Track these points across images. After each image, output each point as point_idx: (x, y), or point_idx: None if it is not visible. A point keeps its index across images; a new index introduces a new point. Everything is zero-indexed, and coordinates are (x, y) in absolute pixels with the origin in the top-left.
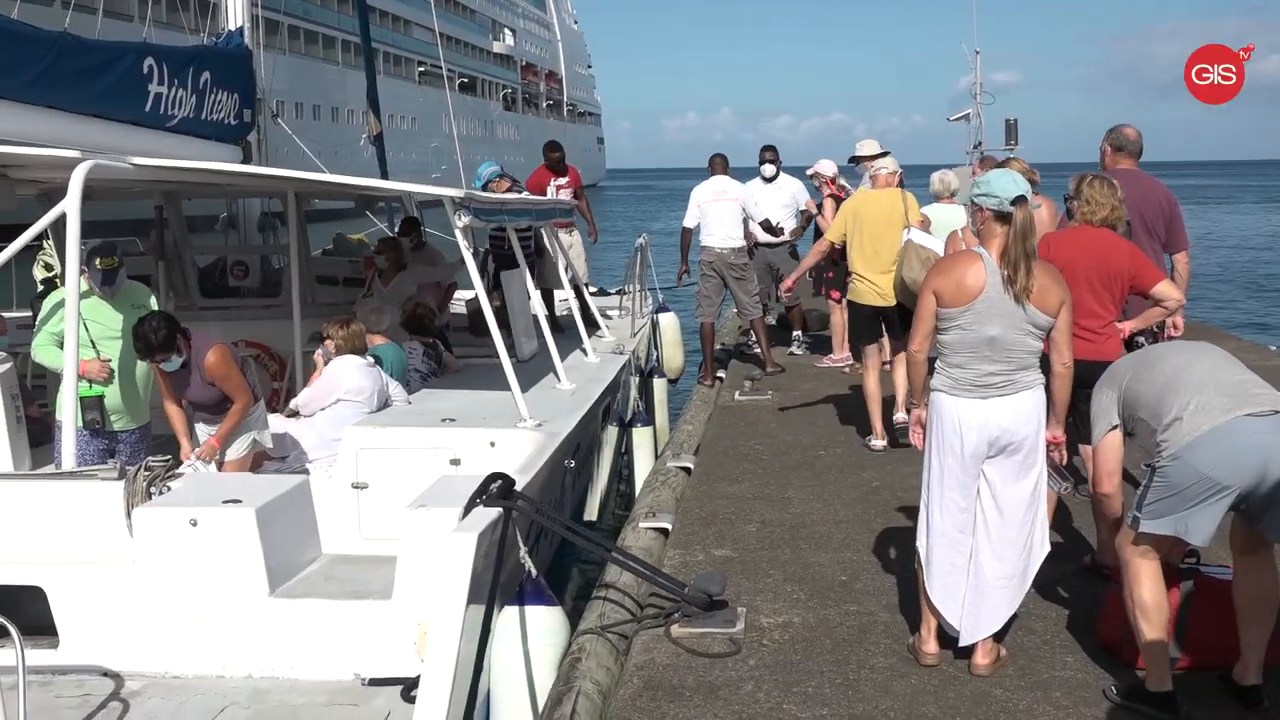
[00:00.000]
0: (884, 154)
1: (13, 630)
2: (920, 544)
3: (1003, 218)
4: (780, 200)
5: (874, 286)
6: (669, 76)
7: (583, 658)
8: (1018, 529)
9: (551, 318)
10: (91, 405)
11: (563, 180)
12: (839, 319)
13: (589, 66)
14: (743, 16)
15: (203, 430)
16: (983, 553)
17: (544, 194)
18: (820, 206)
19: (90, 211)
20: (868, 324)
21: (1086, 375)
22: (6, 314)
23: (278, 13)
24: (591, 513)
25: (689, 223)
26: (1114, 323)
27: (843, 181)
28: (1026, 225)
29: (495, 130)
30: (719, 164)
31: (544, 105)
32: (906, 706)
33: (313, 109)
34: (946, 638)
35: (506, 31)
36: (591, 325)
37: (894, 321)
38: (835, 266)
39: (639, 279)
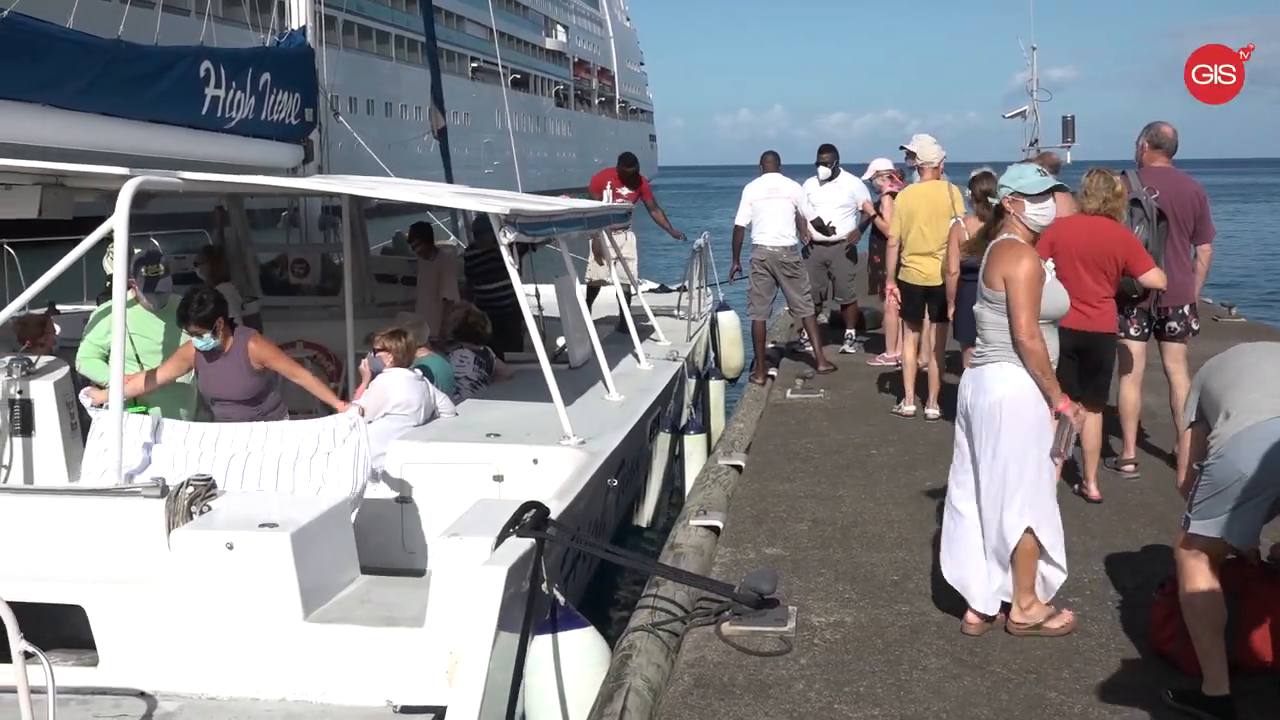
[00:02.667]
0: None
1: (44, 660)
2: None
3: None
4: (838, 200)
5: (919, 268)
6: (721, 73)
7: (633, 655)
8: (991, 502)
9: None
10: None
11: (626, 190)
12: (893, 318)
13: (641, 63)
14: (796, 12)
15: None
16: (981, 521)
17: (600, 194)
18: (878, 206)
19: (158, 206)
20: (910, 303)
21: (1089, 344)
22: (69, 306)
23: (333, 8)
24: (643, 519)
25: (740, 221)
26: (1109, 299)
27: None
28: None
29: (547, 126)
30: (770, 162)
31: (596, 102)
32: (959, 709)
33: (367, 104)
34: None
35: (559, 28)
36: (645, 329)
37: (938, 302)
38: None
39: (699, 279)
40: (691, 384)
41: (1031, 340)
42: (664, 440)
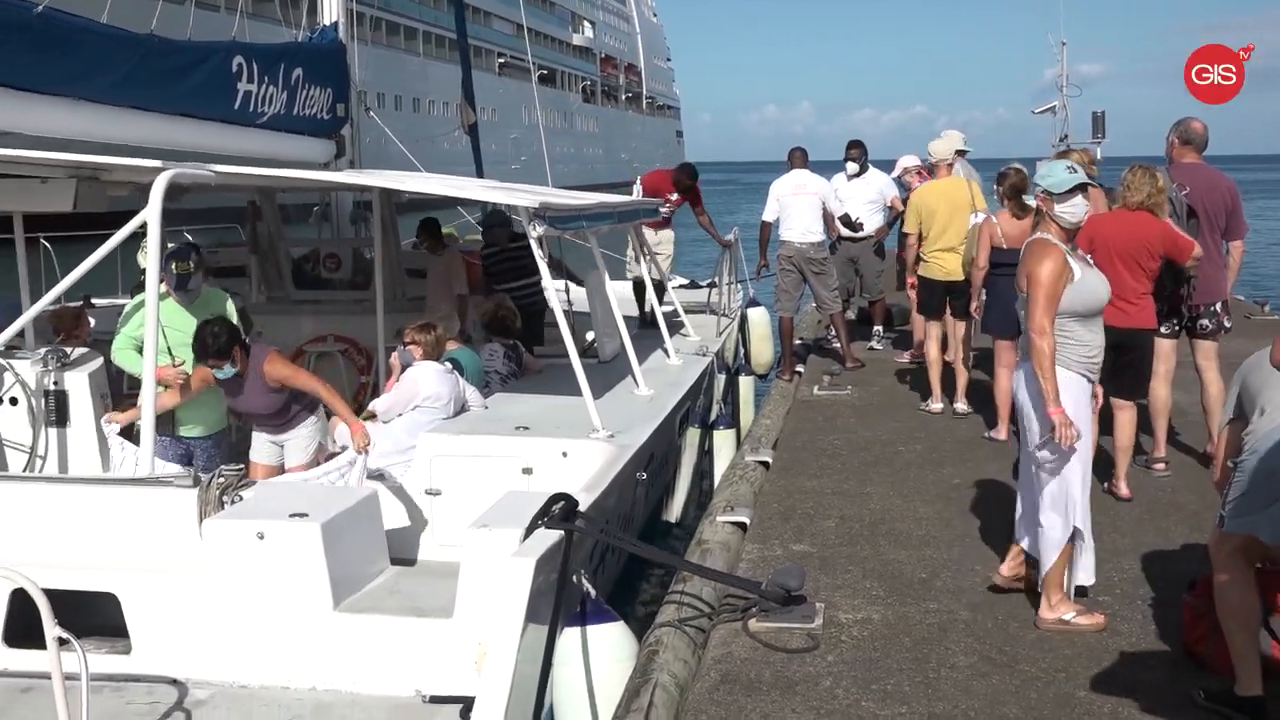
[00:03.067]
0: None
1: (78, 646)
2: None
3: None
4: (866, 196)
5: (941, 264)
6: (749, 69)
7: (660, 650)
8: (1029, 487)
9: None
10: (163, 412)
11: (675, 196)
12: (919, 317)
13: (668, 59)
14: (825, 8)
15: (261, 439)
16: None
17: (652, 194)
18: (906, 202)
19: (192, 200)
20: (931, 297)
21: (1127, 341)
22: (104, 300)
23: (363, 4)
24: (672, 514)
25: (768, 216)
26: (1148, 295)
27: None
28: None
29: (574, 122)
30: (798, 157)
31: (623, 98)
32: (988, 707)
33: (394, 100)
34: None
35: (586, 24)
36: (676, 324)
37: (960, 297)
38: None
39: (729, 275)
40: (721, 379)
41: (1040, 337)
42: (693, 435)
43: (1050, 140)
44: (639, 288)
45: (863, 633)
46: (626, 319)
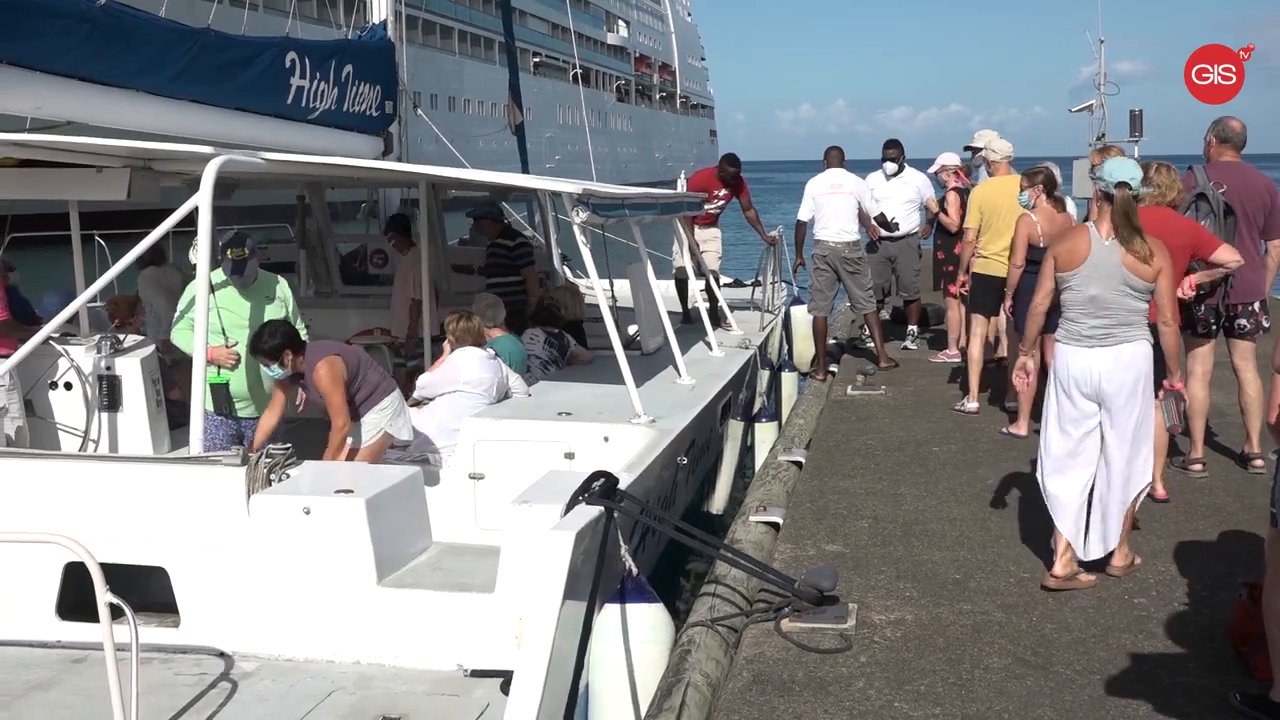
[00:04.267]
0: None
1: (129, 614)
2: (1039, 472)
3: (1108, 197)
4: (904, 195)
5: (1002, 260)
6: (783, 67)
7: (692, 650)
8: (1125, 461)
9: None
10: (217, 391)
11: (723, 192)
12: (955, 314)
13: (702, 58)
14: (860, 6)
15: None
16: (1099, 480)
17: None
18: (943, 201)
19: (243, 198)
20: (990, 295)
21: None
22: None
23: (405, 6)
24: (716, 506)
25: (803, 215)
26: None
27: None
28: (1125, 204)
29: (609, 121)
30: (834, 156)
31: (657, 97)
32: (1022, 709)
33: (430, 98)
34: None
35: (620, 23)
36: (719, 319)
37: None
38: (955, 260)
39: (773, 273)
40: (765, 375)
41: (1178, 322)
42: (735, 428)
43: (1087, 139)
44: (683, 283)
45: (896, 634)
46: (670, 314)
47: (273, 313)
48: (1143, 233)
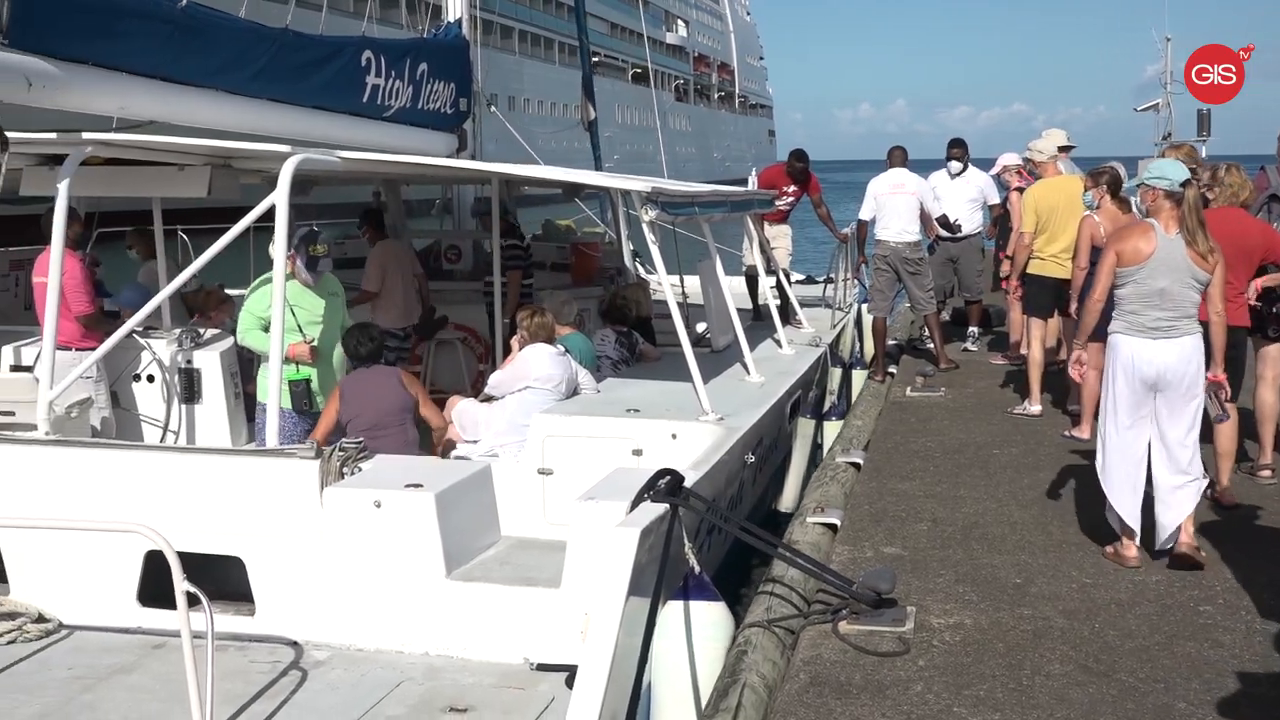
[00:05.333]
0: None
1: (205, 603)
2: (1099, 463)
3: (1173, 196)
4: (966, 195)
5: (1060, 261)
6: (842, 67)
7: (749, 651)
8: (1181, 446)
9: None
10: (296, 387)
11: (792, 188)
12: (1016, 315)
13: (761, 58)
14: (920, 4)
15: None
16: (1158, 466)
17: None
18: (1005, 201)
19: (320, 195)
20: (1047, 296)
21: (1230, 338)
22: (236, 290)
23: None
24: (785, 505)
25: (864, 215)
26: (1243, 293)
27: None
28: (1195, 200)
29: (667, 121)
30: (898, 156)
31: (715, 97)
32: (1083, 716)
33: (489, 97)
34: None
35: (679, 22)
36: (789, 316)
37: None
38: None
39: (845, 270)
40: (837, 373)
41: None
42: (805, 426)
43: (1153, 138)
44: (753, 280)
45: (955, 638)
46: (740, 311)
47: (333, 309)
48: (1206, 228)
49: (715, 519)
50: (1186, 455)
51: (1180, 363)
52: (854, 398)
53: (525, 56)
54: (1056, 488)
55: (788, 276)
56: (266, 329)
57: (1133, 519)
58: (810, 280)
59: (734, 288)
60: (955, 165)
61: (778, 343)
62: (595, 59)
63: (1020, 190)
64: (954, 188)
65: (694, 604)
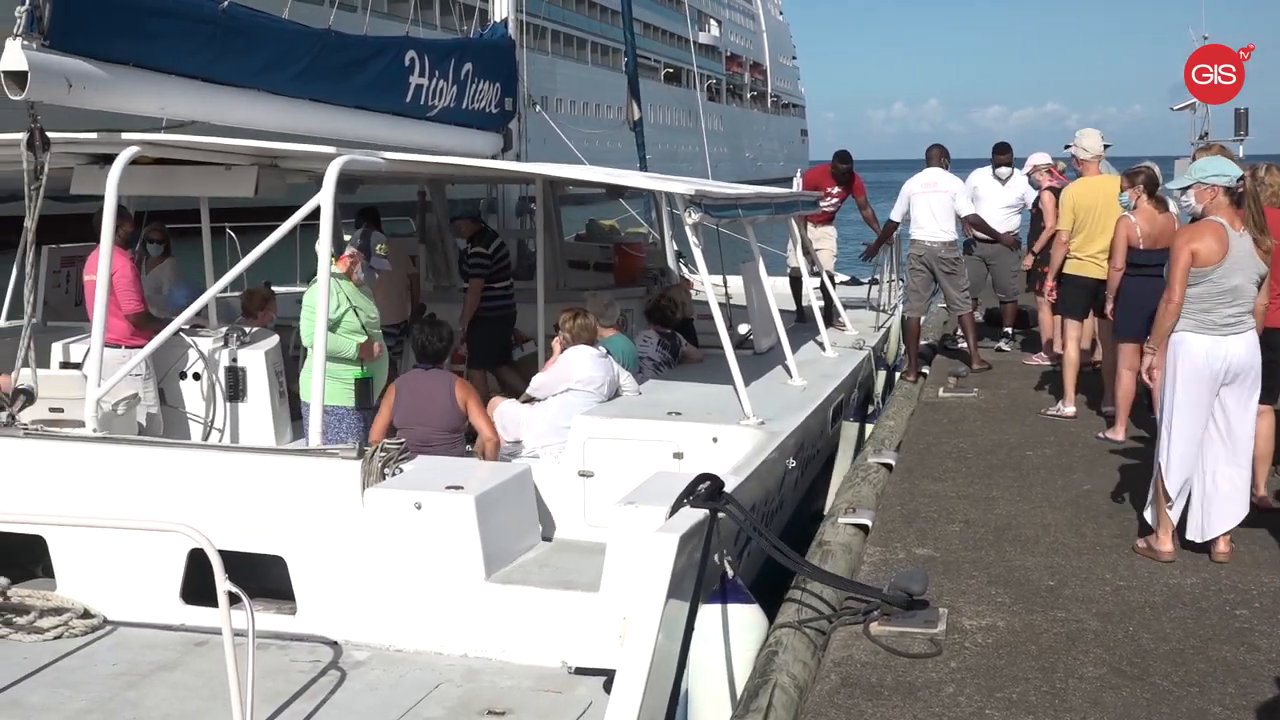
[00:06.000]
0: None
1: (246, 602)
2: (1161, 458)
3: (1232, 192)
4: (1005, 200)
5: (1097, 262)
6: (875, 67)
7: (780, 651)
8: (1247, 441)
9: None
10: (362, 386)
11: (836, 189)
12: (1047, 316)
13: (793, 57)
14: (954, 3)
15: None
16: (1220, 463)
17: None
18: (1037, 201)
19: (365, 194)
20: (1083, 296)
21: (1266, 339)
22: (282, 288)
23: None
24: (828, 507)
25: (895, 215)
26: None
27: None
28: (1254, 192)
29: (700, 120)
30: (935, 155)
31: (748, 96)
32: None
33: (537, 98)
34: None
35: (712, 22)
36: (833, 318)
37: (1103, 296)
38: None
39: (890, 272)
40: (882, 375)
41: None
42: (849, 429)
43: (1189, 138)
44: (797, 281)
45: (987, 640)
46: (784, 312)
47: (371, 308)
48: (1266, 221)
49: (748, 528)
50: (1249, 448)
51: (1249, 354)
52: None
53: (558, 57)
54: (1090, 490)
55: (832, 279)
56: (332, 328)
57: (1178, 516)
58: (855, 281)
59: (777, 288)
60: (1004, 171)
61: (821, 345)
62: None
63: (1052, 189)
64: (994, 190)
65: (727, 607)
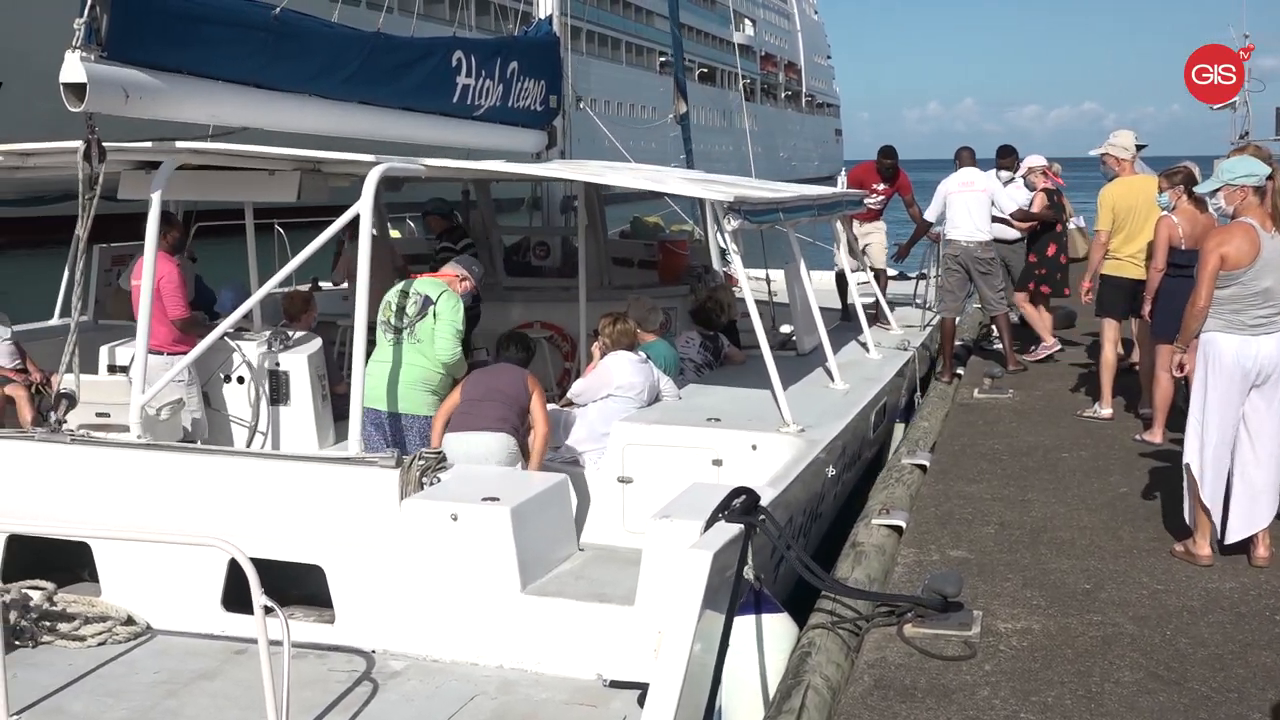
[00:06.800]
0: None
1: (281, 615)
2: (1193, 460)
3: (1260, 191)
4: (1018, 201)
5: (1136, 262)
6: (910, 66)
7: (813, 652)
8: (1272, 442)
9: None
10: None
11: (881, 186)
12: (1032, 312)
13: (828, 57)
14: (989, 2)
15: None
16: (1249, 464)
17: (859, 188)
18: (1031, 203)
19: (413, 192)
20: (1121, 297)
21: None
22: (327, 284)
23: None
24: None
25: (930, 216)
26: None
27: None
28: (1277, 195)
29: (733, 120)
30: (966, 156)
31: (782, 96)
32: None
33: (582, 97)
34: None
35: (747, 22)
36: (879, 317)
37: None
38: (1047, 262)
39: (937, 268)
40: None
41: None
42: (897, 430)
43: (1229, 137)
44: (842, 279)
45: (1022, 643)
46: (828, 311)
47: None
48: None
49: (780, 547)
50: (1275, 450)
51: (1278, 355)
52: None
53: (593, 57)
54: (1127, 492)
55: (883, 275)
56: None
57: (1217, 518)
58: (903, 276)
59: (824, 283)
60: (1005, 174)
61: (864, 346)
62: (664, 59)
63: (1046, 191)
64: (1006, 193)
65: (758, 617)
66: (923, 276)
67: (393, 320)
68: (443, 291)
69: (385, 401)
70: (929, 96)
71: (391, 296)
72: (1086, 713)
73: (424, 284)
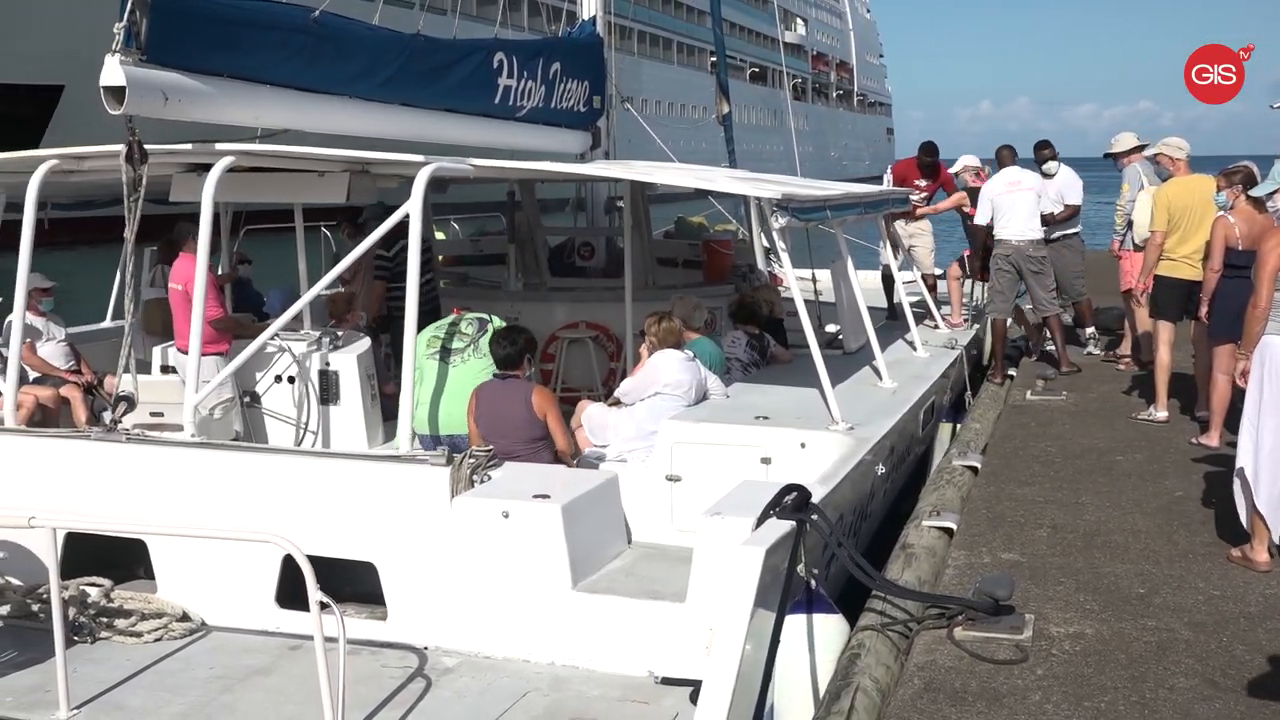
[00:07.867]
0: (1142, 146)
1: (337, 611)
2: (1247, 464)
3: None
4: (1049, 197)
5: (1191, 263)
6: (962, 64)
7: (862, 654)
8: None
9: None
10: None
11: (923, 183)
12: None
13: (880, 55)
14: (1043, 1)
15: None
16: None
17: (902, 184)
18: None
19: (458, 193)
20: (1176, 298)
21: None
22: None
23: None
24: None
25: (980, 219)
26: None
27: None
28: None
29: (784, 120)
30: (1007, 155)
31: (834, 95)
32: None
33: (625, 97)
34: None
35: (798, 21)
36: (927, 315)
37: (1197, 298)
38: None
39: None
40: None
41: None
42: (943, 430)
43: None
44: (889, 279)
45: (1075, 647)
46: (875, 310)
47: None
48: None
49: (832, 544)
50: None
51: None
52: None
53: (643, 57)
54: (1183, 496)
55: (931, 278)
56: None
57: (1274, 522)
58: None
59: (870, 283)
60: (1051, 166)
61: (911, 344)
62: (713, 59)
63: (970, 190)
64: (1055, 185)
65: (811, 617)
66: (970, 276)
67: (445, 342)
68: (493, 316)
69: (436, 425)
70: (981, 95)
71: (438, 331)
72: (1140, 719)
73: (472, 315)
